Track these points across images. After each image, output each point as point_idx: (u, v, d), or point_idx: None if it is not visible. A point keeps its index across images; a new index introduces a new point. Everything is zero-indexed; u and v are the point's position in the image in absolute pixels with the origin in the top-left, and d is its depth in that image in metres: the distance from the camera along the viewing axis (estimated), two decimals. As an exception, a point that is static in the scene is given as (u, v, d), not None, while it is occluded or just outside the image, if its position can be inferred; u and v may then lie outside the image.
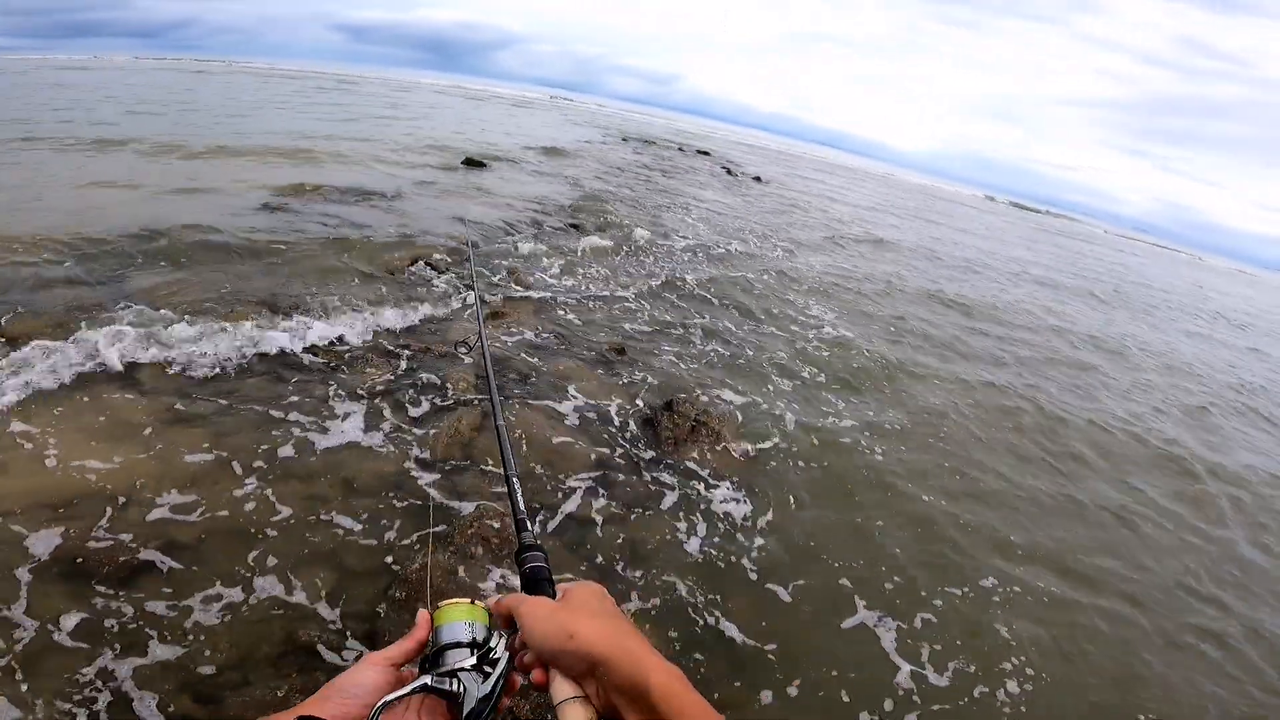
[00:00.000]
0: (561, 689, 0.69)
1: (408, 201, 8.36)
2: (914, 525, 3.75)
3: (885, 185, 39.48)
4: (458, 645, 0.77)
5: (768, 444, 4.23)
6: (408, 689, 0.73)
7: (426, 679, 0.74)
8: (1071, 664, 3.00)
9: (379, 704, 0.70)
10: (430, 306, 5.11)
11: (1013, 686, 2.78)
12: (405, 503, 2.96)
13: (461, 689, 0.74)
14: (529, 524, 0.95)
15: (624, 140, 25.98)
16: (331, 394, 3.64)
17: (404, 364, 4.17)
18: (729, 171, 21.12)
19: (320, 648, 2.22)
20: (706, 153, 27.58)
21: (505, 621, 0.79)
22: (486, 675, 0.75)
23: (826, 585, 3.12)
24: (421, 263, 6.03)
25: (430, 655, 0.79)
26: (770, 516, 3.51)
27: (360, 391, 3.72)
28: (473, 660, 0.76)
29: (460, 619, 0.79)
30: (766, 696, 2.47)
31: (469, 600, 0.81)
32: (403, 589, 2.47)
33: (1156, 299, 17.39)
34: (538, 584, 0.83)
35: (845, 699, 2.54)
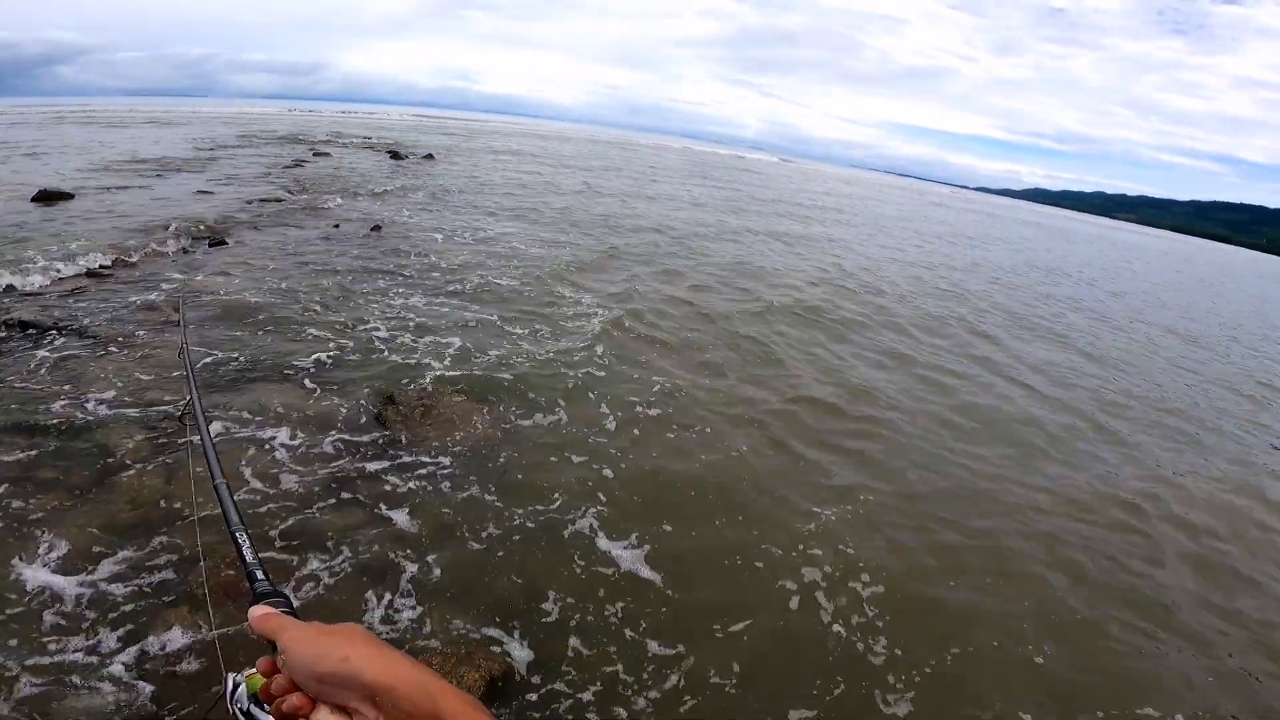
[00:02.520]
0: None
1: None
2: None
3: (549, 140, 41.32)
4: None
5: (509, 411, 4.43)
6: None
7: None
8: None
9: None
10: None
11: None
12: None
13: None
14: (260, 573, 0.86)
15: (253, 143, 22.46)
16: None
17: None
18: (395, 155, 19.98)
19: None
20: (369, 138, 25.53)
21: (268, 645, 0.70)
22: None
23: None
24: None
25: None
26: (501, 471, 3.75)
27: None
28: None
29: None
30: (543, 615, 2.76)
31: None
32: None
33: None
34: None
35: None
